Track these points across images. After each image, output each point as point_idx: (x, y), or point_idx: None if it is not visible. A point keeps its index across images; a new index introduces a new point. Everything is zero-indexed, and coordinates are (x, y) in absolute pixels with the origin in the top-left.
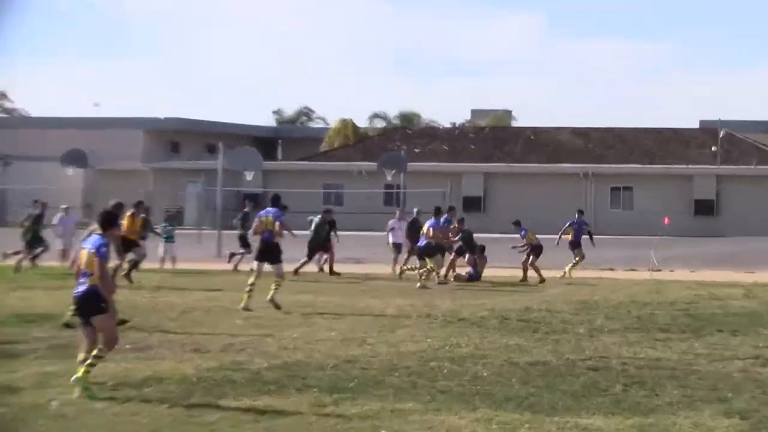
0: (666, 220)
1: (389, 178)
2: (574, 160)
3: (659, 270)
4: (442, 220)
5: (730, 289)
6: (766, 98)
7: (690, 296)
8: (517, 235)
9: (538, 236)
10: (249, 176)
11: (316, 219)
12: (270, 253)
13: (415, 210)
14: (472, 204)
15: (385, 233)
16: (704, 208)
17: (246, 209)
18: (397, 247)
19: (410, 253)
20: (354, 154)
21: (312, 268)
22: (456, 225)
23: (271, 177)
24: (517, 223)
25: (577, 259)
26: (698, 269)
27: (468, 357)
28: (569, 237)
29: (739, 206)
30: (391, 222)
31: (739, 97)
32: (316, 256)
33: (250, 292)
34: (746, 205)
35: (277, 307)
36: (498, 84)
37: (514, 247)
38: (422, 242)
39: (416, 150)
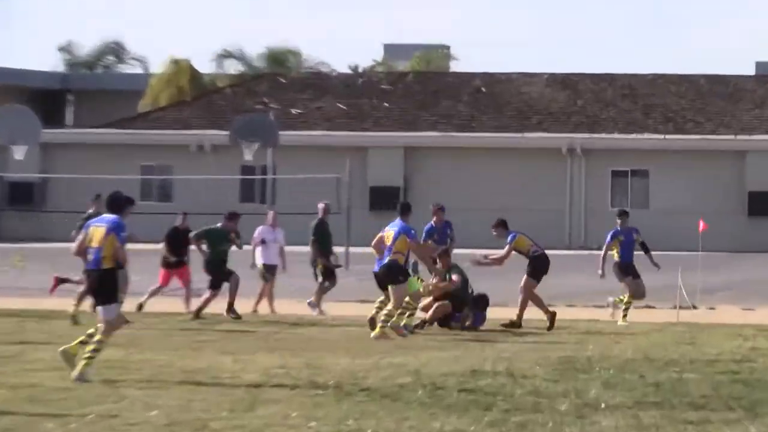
0: (702, 225)
1: (248, 156)
2: (554, 126)
3: (692, 307)
4: (427, 228)
5: None
6: None
7: (742, 350)
8: (489, 249)
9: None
10: (18, 153)
11: (211, 228)
12: (102, 288)
13: (321, 206)
14: (385, 198)
15: (251, 248)
16: (765, 204)
17: (91, 210)
18: (270, 270)
19: (321, 289)
20: (192, 118)
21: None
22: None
23: (55, 154)
24: (502, 225)
25: (628, 294)
26: (756, 305)
27: None
28: (615, 256)
29: None
30: (258, 231)
31: None
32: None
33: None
34: None
35: (84, 380)
36: (426, 3)
37: (478, 263)
38: (384, 259)
39: (294, 110)
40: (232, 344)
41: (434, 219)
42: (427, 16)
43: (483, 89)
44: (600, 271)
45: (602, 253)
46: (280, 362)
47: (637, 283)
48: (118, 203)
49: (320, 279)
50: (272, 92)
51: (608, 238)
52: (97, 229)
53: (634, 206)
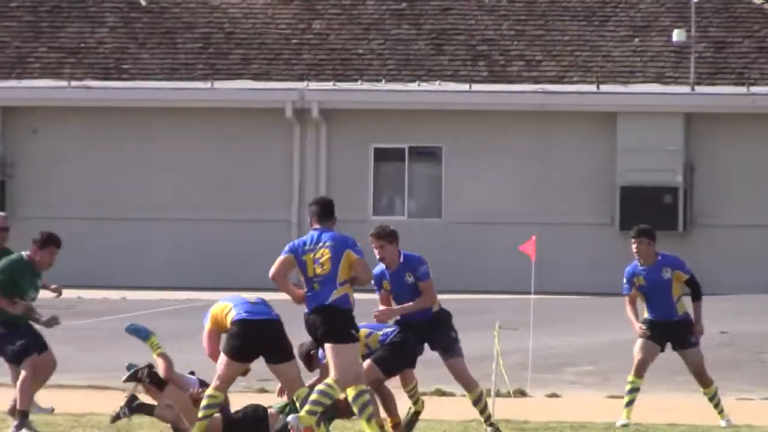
0: (529, 246)
1: None
2: (269, 68)
3: None
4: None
5: None
6: None
7: None
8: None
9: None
10: None
11: None
12: None
13: None
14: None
15: None
16: (652, 210)
17: None
18: None
19: None
20: None
21: None
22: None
23: None
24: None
25: None
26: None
27: None
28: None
29: (750, 203)
30: None
31: None
32: None
33: None
34: None
35: None
36: None
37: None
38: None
39: None
40: None
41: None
42: None
43: (142, 1)
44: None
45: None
46: None
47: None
48: None
49: None
50: None
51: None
52: None
53: (413, 213)
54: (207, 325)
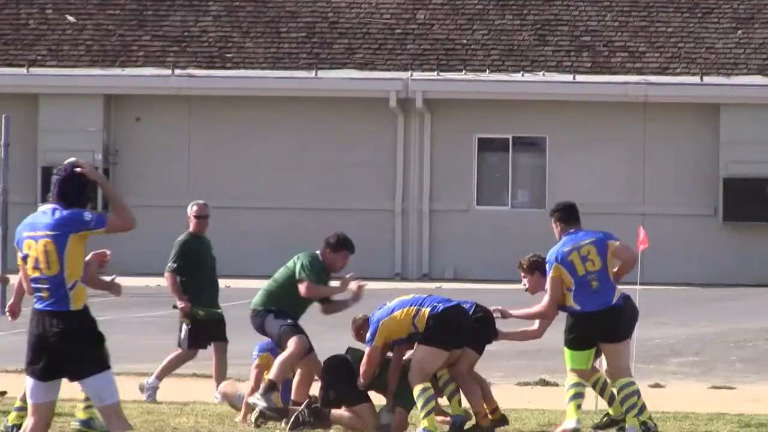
0: (642, 239)
1: None
2: (374, 58)
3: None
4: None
5: None
6: None
7: None
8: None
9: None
10: None
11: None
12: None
13: None
14: None
15: None
16: (754, 201)
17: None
18: None
19: None
20: None
21: None
22: None
23: None
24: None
25: None
26: (735, 380)
27: None
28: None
29: None
30: None
31: None
32: None
33: None
34: None
35: None
36: None
37: None
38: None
39: None
40: None
41: None
42: None
43: None
44: None
45: None
46: None
47: None
48: None
49: None
50: None
51: None
52: None
53: (517, 203)
54: (373, 342)
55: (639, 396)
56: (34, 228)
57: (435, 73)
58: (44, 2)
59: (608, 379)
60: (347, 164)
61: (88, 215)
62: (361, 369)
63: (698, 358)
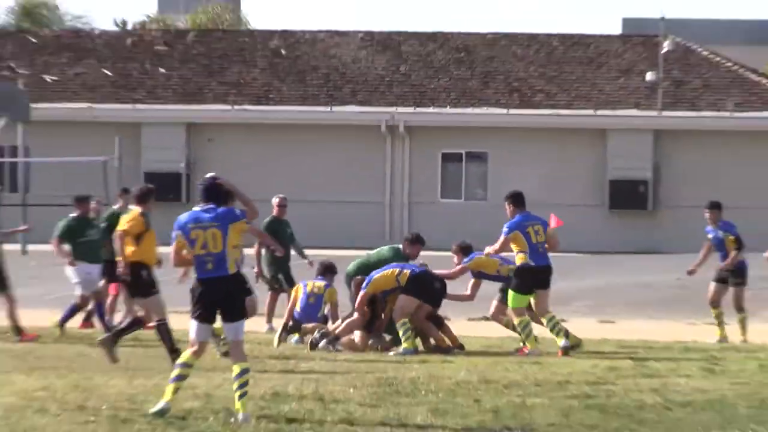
0: (555, 221)
1: None
2: (371, 98)
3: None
4: None
5: (676, 356)
6: None
7: (598, 370)
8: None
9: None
10: None
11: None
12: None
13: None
14: (164, 186)
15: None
16: (630, 196)
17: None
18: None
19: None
20: None
21: None
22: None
23: None
24: (466, 249)
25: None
26: (616, 317)
27: None
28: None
29: (699, 191)
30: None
31: None
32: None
33: None
34: (712, 189)
35: None
36: None
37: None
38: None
39: (48, 77)
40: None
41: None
42: None
43: (282, 51)
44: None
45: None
46: (42, 383)
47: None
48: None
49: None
50: (21, 55)
51: (709, 233)
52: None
53: (468, 196)
54: (365, 290)
55: (559, 322)
56: (200, 221)
57: (412, 108)
58: (143, 59)
59: (537, 318)
60: (350, 171)
61: (237, 211)
62: (355, 304)
63: (591, 302)
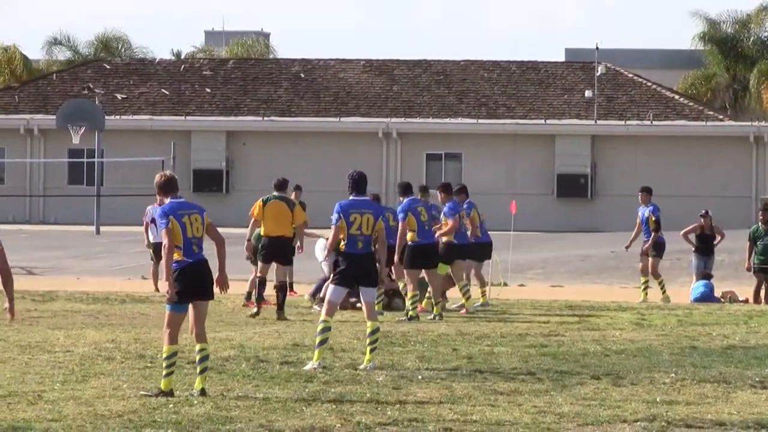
0: (513, 207)
1: (75, 139)
2: (370, 111)
3: (502, 284)
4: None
5: (612, 314)
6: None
7: (550, 325)
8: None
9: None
10: None
11: None
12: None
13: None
14: (209, 180)
15: (144, 227)
16: (573, 186)
17: None
18: (157, 248)
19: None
20: (20, 103)
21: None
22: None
23: None
24: (461, 192)
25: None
26: (564, 282)
27: (203, 422)
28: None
29: (627, 183)
30: (149, 211)
31: (622, 12)
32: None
33: None
34: (638, 182)
35: None
36: None
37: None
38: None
39: (119, 96)
40: (64, 321)
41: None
42: (246, 4)
43: (302, 75)
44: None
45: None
46: (109, 337)
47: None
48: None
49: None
50: (98, 78)
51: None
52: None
53: None
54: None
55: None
56: (361, 207)
57: (403, 118)
58: (193, 81)
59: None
60: (354, 167)
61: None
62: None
63: (543, 271)
